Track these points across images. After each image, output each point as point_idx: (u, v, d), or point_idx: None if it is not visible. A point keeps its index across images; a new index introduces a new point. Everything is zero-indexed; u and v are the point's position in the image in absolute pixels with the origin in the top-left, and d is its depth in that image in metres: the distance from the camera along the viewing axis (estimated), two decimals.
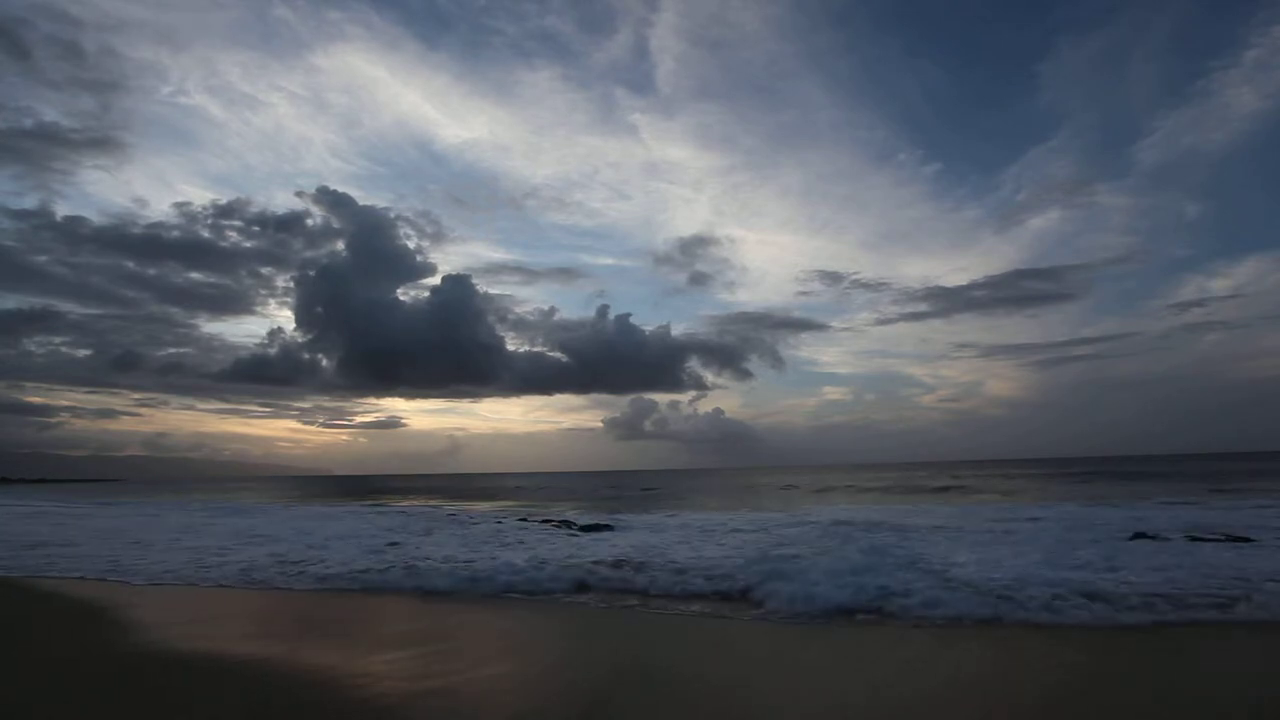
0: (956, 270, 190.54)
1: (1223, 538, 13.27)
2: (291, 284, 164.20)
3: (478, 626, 7.33)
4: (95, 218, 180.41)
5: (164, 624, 7.18)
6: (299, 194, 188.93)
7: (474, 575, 9.53)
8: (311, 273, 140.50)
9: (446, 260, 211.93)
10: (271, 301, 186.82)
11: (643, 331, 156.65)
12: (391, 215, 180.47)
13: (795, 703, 4.49)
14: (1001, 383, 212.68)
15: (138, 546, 14.32)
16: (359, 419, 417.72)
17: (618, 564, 10.30)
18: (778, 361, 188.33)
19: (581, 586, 9.01)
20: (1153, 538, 13.34)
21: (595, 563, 10.35)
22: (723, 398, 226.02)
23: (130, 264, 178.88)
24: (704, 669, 5.38)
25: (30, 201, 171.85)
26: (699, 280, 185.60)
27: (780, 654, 5.95)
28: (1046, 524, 15.23)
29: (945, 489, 35.21)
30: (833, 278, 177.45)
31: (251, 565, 11.24)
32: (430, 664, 5.46)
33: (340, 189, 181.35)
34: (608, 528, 17.51)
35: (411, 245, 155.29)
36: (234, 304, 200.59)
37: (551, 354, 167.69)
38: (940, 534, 13.72)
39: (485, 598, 8.64)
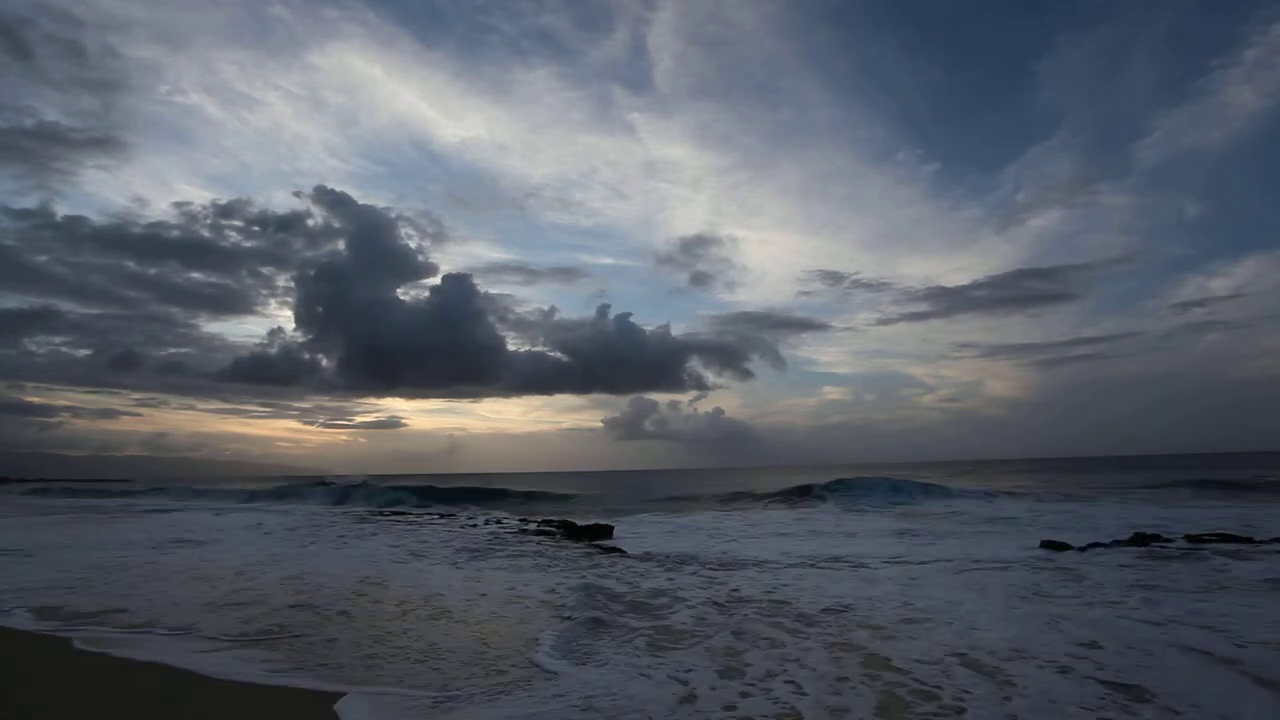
0: (957, 270, 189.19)
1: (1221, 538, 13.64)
2: (292, 284, 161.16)
3: None
4: (95, 217, 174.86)
5: None
6: (297, 194, 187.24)
7: None
8: (312, 272, 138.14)
9: (447, 260, 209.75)
10: (272, 301, 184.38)
11: (643, 331, 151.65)
12: (392, 215, 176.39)
13: None
14: (1002, 383, 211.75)
15: None
16: (359, 419, 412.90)
17: None
18: (778, 361, 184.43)
19: None
20: (1153, 537, 13.71)
21: None
22: (723, 398, 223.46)
23: (130, 264, 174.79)
24: None
25: (31, 201, 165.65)
26: (699, 280, 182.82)
27: None
28: None
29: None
30: (833, 277, 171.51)
31: None
32: None
33: (339, 188, 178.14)
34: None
35: (413, 245, 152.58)
36: (234, 304, 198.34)
37: (552, 354, 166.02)
38: None
39: None
